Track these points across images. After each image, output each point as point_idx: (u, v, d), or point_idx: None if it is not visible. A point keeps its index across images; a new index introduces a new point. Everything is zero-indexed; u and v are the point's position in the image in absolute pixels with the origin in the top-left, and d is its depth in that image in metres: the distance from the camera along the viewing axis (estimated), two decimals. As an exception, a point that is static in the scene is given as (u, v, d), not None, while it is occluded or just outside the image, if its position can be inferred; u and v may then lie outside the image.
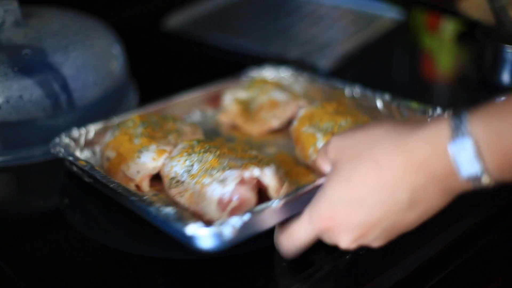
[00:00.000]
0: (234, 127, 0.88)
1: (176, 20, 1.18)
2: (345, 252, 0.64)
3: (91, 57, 0.85)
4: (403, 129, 0.56)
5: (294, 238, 0.61)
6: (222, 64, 1.04)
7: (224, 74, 0.93)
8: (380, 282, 0.63)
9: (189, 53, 1.11)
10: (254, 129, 0.86)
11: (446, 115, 0.54)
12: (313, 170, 0.74)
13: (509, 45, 0.92)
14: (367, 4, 1.21)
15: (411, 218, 0.57)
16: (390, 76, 1.04)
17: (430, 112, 0.78)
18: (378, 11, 1.17)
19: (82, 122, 0.81)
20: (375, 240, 0.59)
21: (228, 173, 0.66)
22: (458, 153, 0.53)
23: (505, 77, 0.93)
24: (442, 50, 1.13)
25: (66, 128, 0.80)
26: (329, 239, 0.59)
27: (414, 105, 0.80)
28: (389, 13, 1.16)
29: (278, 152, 0.81)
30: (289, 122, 0.85)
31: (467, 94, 0.99)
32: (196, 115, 0.90)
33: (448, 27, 1.20)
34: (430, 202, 0.56)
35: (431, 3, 1.26)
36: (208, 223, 0.62)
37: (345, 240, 0.59)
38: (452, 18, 1.19)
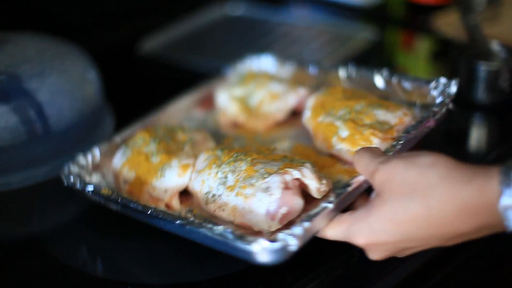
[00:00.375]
0: (236, 125, 0.87)
1: (151, 44, 1.18)
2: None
3: (66, 82, 0.85)
4: (457, 175, 0.58)
5: (324, 232, 0.64)
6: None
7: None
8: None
9: (165, 77, 1.11)
10: (259, 124, 0.86)
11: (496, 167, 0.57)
12: (338, 159, 0.75)
13: (482, 62, 0.93)
14: (341, 24, 1.22)
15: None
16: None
17: (433, 83, 0.79)
18: (352, 31, 1.18)
19: (59, 148, 0.80)
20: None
21: (269, 180, 0.66)
22: (508, 208, 0.56)
23: (479, 94, 0.94)
24: (417, 69, 1.14)
25: (43, 154, 0.79)
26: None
27: (415, 78, 0.80)
28: (363, 33, 1.17)
29: (294, 145, 0.80)
30: (293, 112, 0.84)
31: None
32: (192, 121, 0.88)
33: (423, 45, 1.21)
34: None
35: (405, 21, 1.27)
36: (258, 233, 0.63)
37: (375, 257, 0.64)
38: (426, 36, 1.20)
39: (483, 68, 0.93)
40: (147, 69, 1.14)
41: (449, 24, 1.15)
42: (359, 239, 0.62)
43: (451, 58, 0.97)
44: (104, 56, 1.00)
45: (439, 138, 0.91)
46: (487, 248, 0.78)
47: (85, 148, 0.77)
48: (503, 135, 0.94)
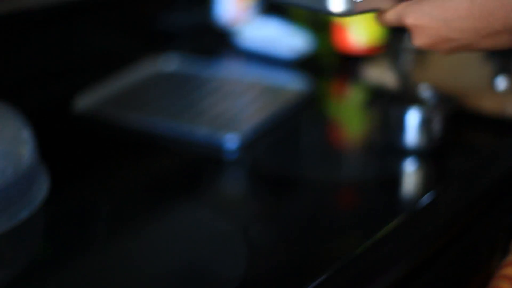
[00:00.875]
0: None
1: (85, 101, 1.17)
2: None
3: (-1, 143, 0.84)
4: None
5: (383, 16, 0.77)
6: (131, 145, 1.03)
7: (133, 154, 0.93)
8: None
9: (99, 135, 1.10)
10: None
11: None
12: None
13: (414, 108, 0.96)
14: (273, 76, 1.24)
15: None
16: (300, 147, 1.06)
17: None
18: (284, 83, 1.20)
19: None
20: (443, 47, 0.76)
21: None
22: None
23: (410, 140, 0.96)
24: (350, 118, 1.16)
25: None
26: (408, 32, 0.76)
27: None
28: (295, 85, 1.19)
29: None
30: None
31: (375, 160, 1.01)
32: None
33: (355, 95, 1.24)
34: None
35: (336, 71, 1.30)
36: None
37: (419, 42, 0.75)
38: (358, 85, 1.23)
39: (414, 114, 0.95)
40: (82, 127, 1.13)
41: (380, 72, 1.19)
42: (408, 19, 0.74)
43: (382, 105, 1.00)
44: (37, 114, 0.99)
45: (373, 185, 0.92)
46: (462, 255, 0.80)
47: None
48: (436, 179, 0.97)
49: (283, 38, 1.37)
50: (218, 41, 1.40)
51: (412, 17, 0.74)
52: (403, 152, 0.97)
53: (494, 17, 0.70)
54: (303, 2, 0.77)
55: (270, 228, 0.84)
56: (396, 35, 1.25)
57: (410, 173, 0.98)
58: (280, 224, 0.84)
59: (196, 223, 0.85)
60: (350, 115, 1.17)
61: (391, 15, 0.77)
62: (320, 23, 1.39)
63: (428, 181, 0.97)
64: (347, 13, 0.73)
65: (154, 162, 0.98)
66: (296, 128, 1.11)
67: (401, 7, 0.75)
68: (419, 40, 0.75)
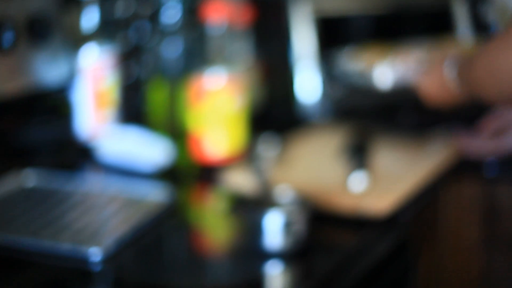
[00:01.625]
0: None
1: None
2: None
3: None
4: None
5: None
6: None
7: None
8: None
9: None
10: None
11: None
12: None
13: (274, 211, 0.98)
14: (134, 189, 1.24)
15: None
16: (164, 256, 1.06)
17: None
18: (145, 195, 1.20)
19: None
20: None
21: None
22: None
23: (273, 244, 0.98)
24: (213, 224, 1.18)
25: None
26: None
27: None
28: (156, 195, 1.19)
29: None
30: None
31: (240, 265, 1.02)
32: None
33: (216, 201, 1.26)
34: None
35: (198, 180, 1.32)
36: None
37: None
38: (219, 193, 1.25)
39: (275, 218, 0.98)
40: None
41: (239, 178, 1.21)
42: None
43: (244, 210, 1.02)
44: None
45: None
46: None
47: None
48: (300, 280, 0.99)
49: (143, 149, 1.39)
50: (79, 155, 1.40)
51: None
52: (266, 256, 0.99)
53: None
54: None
55: None
56: (254, 142, 1.29)
57: (274, 276, 0.99)
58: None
59: None
60: (213, 222, 1.19)
61: None
62: (178, 132, 1.42)
63: (293, 283, 0.99)
64: None
65: (21, 278, 0.96)
66: (159, 238, 1.11)
67: None
68: None
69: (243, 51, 1.70)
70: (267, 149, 1.27)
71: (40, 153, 1.37)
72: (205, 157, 1.34)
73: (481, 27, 1.71)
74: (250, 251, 1.02)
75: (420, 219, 1.27)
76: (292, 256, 1.00)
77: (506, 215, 1.40)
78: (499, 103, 1.20)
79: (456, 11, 1.72)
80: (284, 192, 1.06)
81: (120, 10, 1.50)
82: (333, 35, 1.71)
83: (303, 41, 1.55)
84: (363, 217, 1.11)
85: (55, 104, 1.38)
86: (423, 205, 1.23)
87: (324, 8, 1.61)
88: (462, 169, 1.40)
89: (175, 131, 1.42)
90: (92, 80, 1.40)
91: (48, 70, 1.36)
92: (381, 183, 1.20)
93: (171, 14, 1.41)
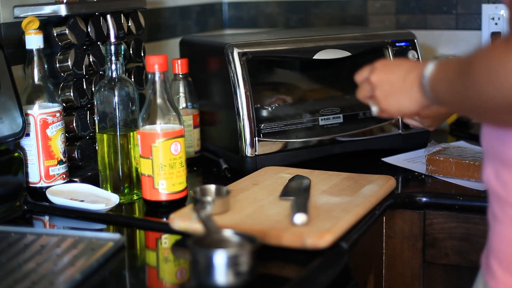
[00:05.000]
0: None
1: None
2: None
3: None
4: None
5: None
6: None
7: None
8: None
9: None
10: None
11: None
12: None
13: (220, 250, 1.01)
14: (84, 229, 1.24)
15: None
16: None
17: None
18: (95, 235, 1.21)
19: None
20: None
21: None
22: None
23: (219, 279, 1.01)
24: (162, 262, 1.19)
25: None
26: None
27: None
28: (106, 236, 1.20)
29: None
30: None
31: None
32: None
33: (164, 243, 1.27)
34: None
35: (144, 221, 1.34)
36: None
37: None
38: (166, 233, 1.27)
39: (221, 255, 1.00)
40: None
41: (184, 216, 1.23)
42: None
43: (190, 250, 1.04)
44: None
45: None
46: None
47: None
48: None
49: (92, 191, 1.42)
50: (29, 199, 1.40)
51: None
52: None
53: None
54: None
55: None
56: (199, 186, 1.32)
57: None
58: None
59: None
60: (161, 260, 1.20)
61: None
62: (125, 175, 1.44)
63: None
64: None
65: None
66: (109, 277, 1.12)
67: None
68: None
69: (184, 98, 1.74)
70: (212, 191, 1.29)
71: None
72: (151, 195, 1.36)
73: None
74: (195, 286, 1.03)
75: (363, 248, 1.31)
76: (241, 290, 1.02)
77: (441, 240, 1.44)
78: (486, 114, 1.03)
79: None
80: (228, 232, 1.08)
81: (66, 63, 1.52)
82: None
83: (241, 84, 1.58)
84: (307, 249, 1.14)
85: (6, 152, 1.39)
86: (364, 233, 1.27)
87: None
88: (400, 198, 1.45)
89: (122, 175, 1.44)
90: (41, 130, 1.43)
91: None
92: (324, 216, 1.23)
93: (113, 67, 1.43)
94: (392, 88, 1.14)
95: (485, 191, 1.41)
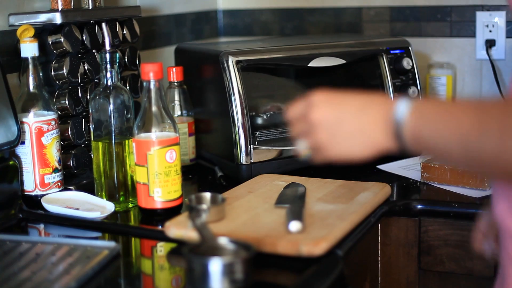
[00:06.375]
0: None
1: None
2: None
3: None
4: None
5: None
6: None
7: None
8: None
9: None
10: None
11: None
12: None
13: (215, 258, 1.01)
14: (79, 237, 1.24)
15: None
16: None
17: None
18: (90, 243, 1.21)
19: None
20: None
21: None
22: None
23: (214, 287, 1.01)
24: (157, 270, 1.19)
25: None
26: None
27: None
28: (101, 244, 1.20)
29: None
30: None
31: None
32: None
33: (159, 249, 1.27)
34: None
35: (140, 229, 1.34)
36: None
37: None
38: (162, 241, 1.26)
39: (216, 263, 1.00)
40: None
41: (179, 224, 1.23)
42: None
43: (186, 257, 1.04)
44: None
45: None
46: None
47: None
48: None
49: (88, 199, 1.42)
50: (24, 207, 1.40)
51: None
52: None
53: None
54: None
55: None
56: (194, 194, 1.32)
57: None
58: None
59: None
60: (157, 268, 1.20)
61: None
62: (120, 183, 1.44)
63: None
64: None
65: None
66: (105, 285, 1.12)
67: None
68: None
69: (179, 106, 1.74)
70: (207, 198, 1.29)
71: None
72: (147, 203, 1.36)
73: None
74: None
75: (358, 255, 1.31)
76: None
77: (437, 248, 1.45)
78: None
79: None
80: (223, 239, 1.08)
81: (61, 71, 1.52)
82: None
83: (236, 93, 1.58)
84: (303, 256, 1.14)
85: (1, 160, 1.39)
86: (360, 241, 1.27)
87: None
88: (395, 206, 1.45)
89: (118, 183, 1.44)
90: (36, 138, 1.43)
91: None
92: (319, 223, 1.23)
93: (108, 75, 1.43)
94: (340, 129, 0.94)
95: (481, 199, 1.41)
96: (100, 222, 1.35)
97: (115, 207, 1.40)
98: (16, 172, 1.41)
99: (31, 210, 1.42)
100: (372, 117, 0.91)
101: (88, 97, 1.58)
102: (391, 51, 1.76)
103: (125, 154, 1.44)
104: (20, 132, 1.40)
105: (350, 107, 0.94)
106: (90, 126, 1.46)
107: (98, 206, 1.40)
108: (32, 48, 1.43)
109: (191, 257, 1.03)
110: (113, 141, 1.43)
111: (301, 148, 1.02)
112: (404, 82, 1.76)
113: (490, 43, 2.02)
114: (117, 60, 1.45)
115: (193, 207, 1.25)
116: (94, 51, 1.60)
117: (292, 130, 1.03)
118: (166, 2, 2.08)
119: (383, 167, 1.67)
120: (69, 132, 1.54)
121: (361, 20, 2.18)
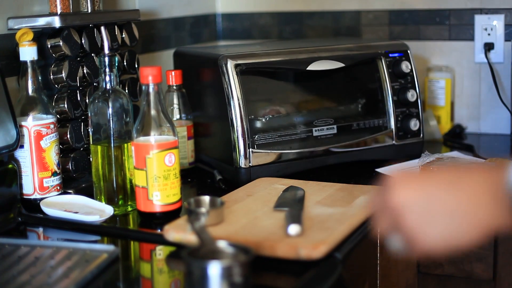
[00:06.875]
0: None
1: None
2: None
3: None
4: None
5: None
6: None
7: None
8: None
9: None
10: None
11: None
12: None
13: (214, 261, 1.01)
14: (78, 241, 1.24)
15: None
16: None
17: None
18: (89, 247, 1.21)
19: None
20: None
21: None
22: None
23: (213, 290, 1.01)
24: (155, 274, 1.19)
25: None
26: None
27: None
28: (100, 247, 1.20)
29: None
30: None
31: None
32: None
33: (158, 254, 1.27)
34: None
35: (139, 233, 1.34)
36: None
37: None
38: (161, 245, 1.26)
39: (215, 266, 1.00)
40: None
41: (178, 228, 1.23)
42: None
43: (184, 260, 1.04)
44: None
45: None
46: None
47: None
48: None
49: (87, 202, 1.42)
50: (23, 210, 1.40)
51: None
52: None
53: None
54: None
55: None
56: (193, 197, 1.32)
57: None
58: None
59: None
60: (156, 272, 1.20)
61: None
62: (119, 186, 1.44)
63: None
64: None
65: None
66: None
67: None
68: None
69: (178, 109, 1.74)
70: (206, 202, 1.29)
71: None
72: (146, 206, 1.36)
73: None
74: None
75: (357, 258, 1.31)
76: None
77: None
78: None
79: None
80: (221, 243, 1.08)
81: (60, 75, 1.52)
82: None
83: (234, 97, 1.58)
84: (302, 259, 1.14)
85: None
86: (359, 244, 1.27)
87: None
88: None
89: (117, 186, 1.44)
90: (35, 142, 1.43)
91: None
92: (318, 226, 1.24)
93: (107, 79, 1.43)
94: (432, 208, 0.77)
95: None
96: (99, 226, 1.35)
97: (114, 210, 1.40)
98: (15, 175, 1.41)
99: (30, 214, 1.42)
100: (472, 190, 0.76)
101: (87, 100, 1.58)
102: (390, 55, 1.77)
103: (124, 157, 1.44)
104: (19, 135, 1.40)
105: (437, 183, 0.79)
106: (89, 130, 1.46)
107: (97, 210, 1.40)
108: (31, 52, 1.43)
109: (190, 260, 1.03)
110: (112, 145, 1.43)
111: (395, 244, 0.86)
112: (403, 85, 1.76)
113: (488, 47, 2.03)
114: (116, 64, 1.45)
115: (192, 210, 1.25)
116: (93, 54, 1.60)
117: (379, 226, 0.87)
118: (165, 6, 2.08)
119: (382, 170, 1.67)
120: (68, 136, 1.54)
121: (360, 23, 2.18)
